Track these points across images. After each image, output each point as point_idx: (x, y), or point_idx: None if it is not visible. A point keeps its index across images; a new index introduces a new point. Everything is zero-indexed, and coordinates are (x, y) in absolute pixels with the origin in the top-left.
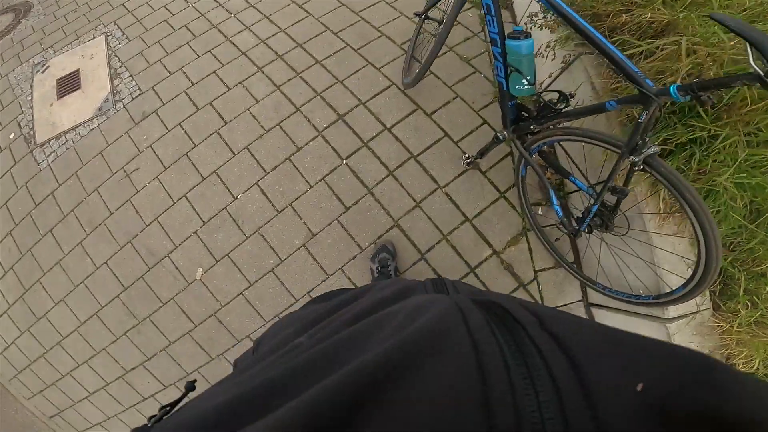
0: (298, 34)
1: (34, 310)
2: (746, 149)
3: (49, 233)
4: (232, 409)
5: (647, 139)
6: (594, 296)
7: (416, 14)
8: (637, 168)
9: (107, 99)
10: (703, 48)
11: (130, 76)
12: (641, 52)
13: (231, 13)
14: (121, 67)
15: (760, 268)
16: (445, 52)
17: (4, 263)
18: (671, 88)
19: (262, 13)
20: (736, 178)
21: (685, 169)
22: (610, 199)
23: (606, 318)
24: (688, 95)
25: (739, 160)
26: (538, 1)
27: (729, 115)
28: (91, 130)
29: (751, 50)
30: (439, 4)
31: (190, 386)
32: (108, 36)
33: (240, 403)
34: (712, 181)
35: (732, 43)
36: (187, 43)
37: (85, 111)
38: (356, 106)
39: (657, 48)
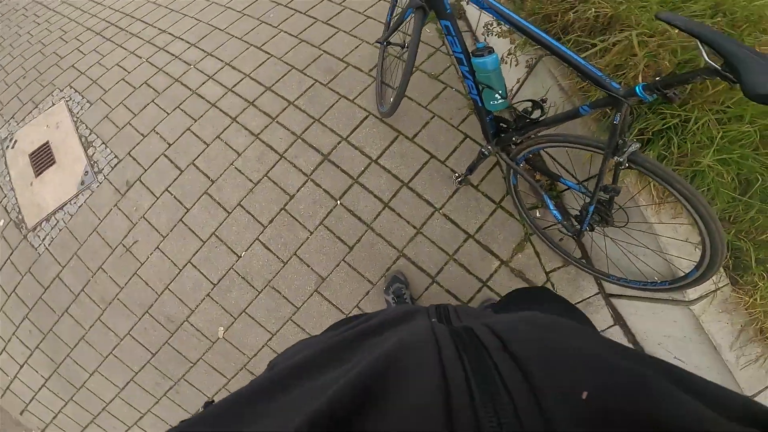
0: (265, 77)
1: (73, 382)
2: (719, 128)
3: (66, 313)
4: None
5: (626, 138)
6: (611, 287)
7: (378, 42)
8: (623, 166)
9: (86, 171)
10: (653, 39)
11: (103, 143)
12: (596, 49)
13: (190, 65)
14: (91, 134)
15: (765, 235)
16: (413, 72)
17: (29, 344)
18: (637, 88)
19: (222, 61)
20: (718, 156)
21: (667, 154)
22: (603, 195)
23: (628, 306)
24: (655, 94)
25: (716, 139)
26: (489, 13)
27: (694, 99)
28: (79, 207)
29: (703, 46)
30: (398, 28)
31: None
32: (67, 101)
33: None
34: (697, 163)
35: (677, 32)
36: (153, 101)
37: (67, 187)
38: (339, 143)
39: (612, 44)
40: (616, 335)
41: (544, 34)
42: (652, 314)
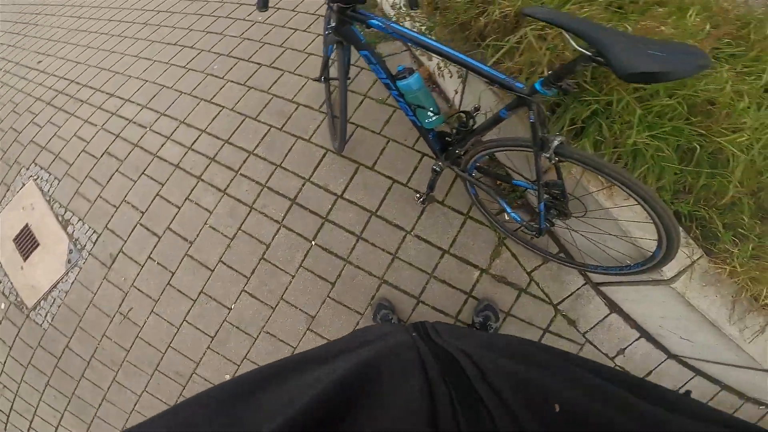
0: (221, 131)
1: None
2: (638, 106)
3: (83, 378)
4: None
5: (548, 132)
6: (597, 276)
7: (316, 80)
8: (553, 161)
9: (70, 250)
10: (550, 31)
11: (80, 220)
12: (510, 49)
13: (145, 128)
14: (66, 212)
15: (725, 200)
16: (361, 101)
17: (58, 408)
18: (536, 85)
19: (176, 119)
20: (649, 133)
21: (602, 139)
22: (553, 191)
23: (617, 293)
24: (552, 87)
25: (643, 117)
26: (391, 35)
27: (608, 82)
28: (72, 284)
29: (569, 36)
30: (333, 63)
31: None
32: (36, 179)
33: None
34: (629, 143)
35: None
36: (117, 170)
37: (56, 267)
38: (303, 185)
39: (518, 43)
40: (616, 323)
41: (441, 46)
42: (642, 297)
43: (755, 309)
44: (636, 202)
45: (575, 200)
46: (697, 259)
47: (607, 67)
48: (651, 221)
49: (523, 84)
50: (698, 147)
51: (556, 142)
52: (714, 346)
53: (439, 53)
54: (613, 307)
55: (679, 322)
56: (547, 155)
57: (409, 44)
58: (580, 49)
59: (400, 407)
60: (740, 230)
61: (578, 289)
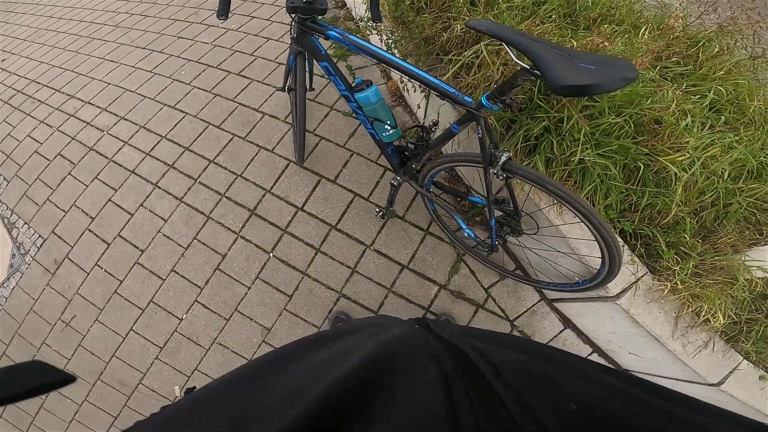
0: (182, 137)
1: None
2: (586, 124)
3: None
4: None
5: (496, 148)
6: (551, 293)
7: (281, 90)
8: (500, 177)
9: (13, 254)
10: (504, 48)
11: (26, 224)
12: (468, 64)
13: (103, 131)
14: (12, 215)
15: (668, 218)
16: (327, 113)
17: None
18: (482, 99)
19: (136, 124)
20: (596, 151)
21: (553, 156)
22: (505, 208)
23: (570, 309)
24: (498, 102)
25: (584, 134)
26: (345, 46)
27: (559, 99)
28: (12, 290)
29: (510, 49)
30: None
31: (189, 392)
32: None
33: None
34: (581, 160)
35: None
36: (69, 173)
37: None
38: (264, 196)
39: (475, 57)
40: (569, 338)
41: (394, 58)
42: (592, 313)
43: (697, 325)
44: (580, 221)
45: (528, 217)
46: (642, 276)
47: (542, 80)
48: (595, 239)
49: (471, 99)
50: (642, 166)
51: (503, 158)
52: (661, 361)
53: (394, 65)
54: (567, 322)
55: (627, 337)
56: (495, 171)
57: (364, 55)
58: (519, 62)
59: (417, 401)
60: (682, 249)
61: (534, 305)
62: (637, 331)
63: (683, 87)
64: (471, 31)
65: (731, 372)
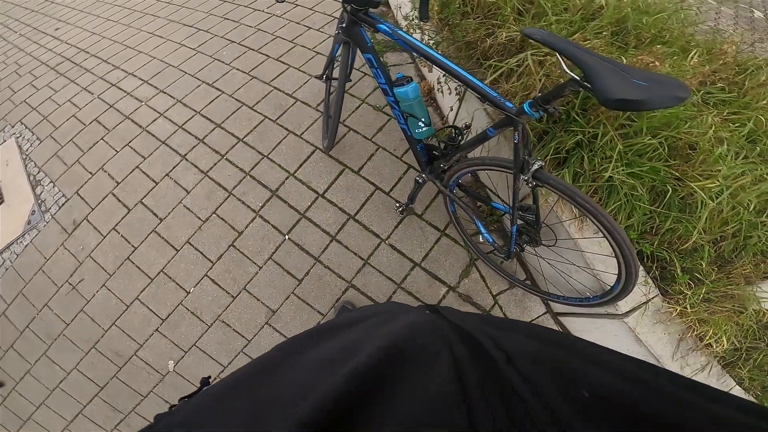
0: (215, 114)
1: (19, 414)
2: (620, 142)
3: (11, 348)
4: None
5: (530, 156)
6: (558, 306)
7: (318, 77)
8: (530, 185)
9: (33, 211)
10: (550, 57)
11: (51, 182)
12: (509, 71)
13: (141, 102)
14: (39, 172)
15: (687, 245)
16: (358, 105)
17: None
18: (524, 106)
19: (174, 98)
20: (626, 170)
21: (581, 171)
22: (526, 216)
23: (574, 323)
24: (540, 110)
25: (618, 153)
26: (397, 42)
27: (597, 115)
28: (25, 247)
29: (562, 59)
30: (332, 63)
31: (205, 382)
32: (18, 138)
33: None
34: (605, 178)
35: None
36: (102, 138)
37: (14, 227)
38: (287, 179)
39: (518, 65)
40: None
41: (442, 58)
42: (596, 329)
43: (699, 348)
44: (603, 236)
45: (547, 228)
46: (652, 297)
47: (592, 93)
48: (614, 256)
49: (513, 105)
50: (671, 190)
51: (535, 166)
52: None
53: (439, 65)
54: None
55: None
56: (526, 178)
57: (413, 53)
58: (569, 73)
59: (428, 392)
60: (696, 275)
61: (539, 316)
62: (639, 349)
63: (723, 113)
64: (514, 40)
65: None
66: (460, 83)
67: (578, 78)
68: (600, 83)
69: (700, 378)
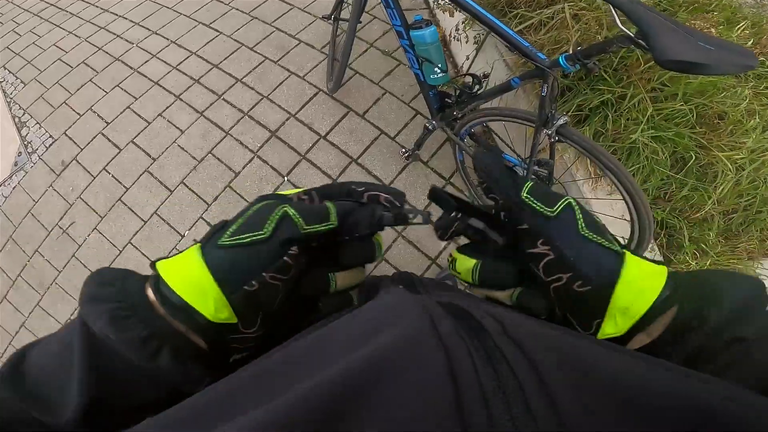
0: (212, 55)
1: None
2: (651, 105)
3: (5, 300)
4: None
5: (555, 110)
6: None
7: (325, 17)
8: (552, 139)
9: (20, 152)
10: (586, 12)
11: (38, 123)
12: (538, 23)
13: (132, 43)
14: (24, 114)
15: (698, 214)
16: (366, 49)
17: None
18: (560, 58)
19: (167, 39)
20: (652, 134)
21: (603, 131)
22: (540, 170)
23: None
24: (577, 64)
25: (647, 116)
26: None
27: (629, 75)
28: (13, 188)
29: (616, 12)
30: (343, 3)
31: None
32: (1, 82)
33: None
34: (630, 140)
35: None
36: (90, 80)
37: (1, 169)
38: (287, 120)
39: (550, 18)
40: None
41: (479, 7)
42: None
43: None
44: (621, 197)
45: (559, 185)
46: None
47: (646, 51)
48: (627, 219)
49: (545, 56)
50: (693, 156)
51: (561, 121)
52: None
53: (469, 10)
54: None
55: None
56: (549, 132)
57: None
58: (623, 28)
59: (411, 384)
60: (703, 245)
61: None
62: None
63: (760, 87)
64: None
65: None
66: (489, 30)
67: (631, 34)
68: (659, 41)
69: None
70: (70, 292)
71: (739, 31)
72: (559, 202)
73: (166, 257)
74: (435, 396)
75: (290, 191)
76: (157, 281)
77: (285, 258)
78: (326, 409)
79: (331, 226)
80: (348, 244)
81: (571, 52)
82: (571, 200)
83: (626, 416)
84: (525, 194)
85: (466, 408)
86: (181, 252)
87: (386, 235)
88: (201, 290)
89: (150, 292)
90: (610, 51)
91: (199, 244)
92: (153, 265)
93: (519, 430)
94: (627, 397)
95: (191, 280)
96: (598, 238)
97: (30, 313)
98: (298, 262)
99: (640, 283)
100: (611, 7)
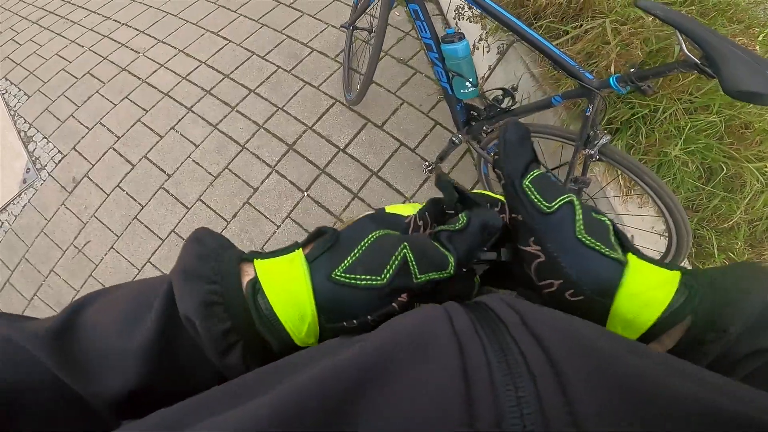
0: (223, 65)
1: None
2: (686, 117)
3: None
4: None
5: (597, 130)
6: None
7: (343, 26)
8: (593, 159)
9: (28, 169)
10: (625, 27)
11: (45, 138)
12: (568, 36)
13: (138, 53)
14: (30, 129)
15: (726, 224)
16: (381, 57)
17: None
18: (611, 80)
19: (175, 48)
20: (684, 147)
21: (635, 144)
22: (573, 186)
23: None
24: (629, 86)
25: (686, 130)
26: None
27: (663, 88)
28: (23, 207)
29: (683, 38)
30: (366, 12)
31: None
32: (3, 94)
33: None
34: (664, 153)
35: (651, 19)
36: (97, 91)
37: (9, 186)
38: (304, 132)
39: (584, 31)
40: None
41: (516, 20)
42: None
43: None
44: (654, 213)
45: (588, 200)
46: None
47: (712, 78)
48: (656, 232)
49: (592, 75)
50: (723, 168)
51: (603, 140)
52: None
53: (511, 26)
54: None
55: None
56: (592, 152)
57: (476, 8)
58: (690, 55)
59: (423, 384)
60: (731, 254)
61: None
62: None
63: None
64: (574, 2)
65: None
66: (532, 48)
67: (697, 60)
68: (727, 70)
69: None
70: None
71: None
72: (559, 198)
73: (264, 255)
74: (444, 396)
75: (403, 209)
76: (254, 285)
77: (393, 305)
78: (332, 400)
79: (446, 276)
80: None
81: (612, 69)
82: (573, 198)
83: (645, 420)
84: (527, 182)
85: (476, 407)
86: (279, 252)
87: (393, 200)
88: (300, 315)
89: (245, 289)
90: (669, 74)
91: (304, 259)
92: (250, 259)
93: (528, 430)
94: (647, 399)
95: (293, 302)
96: (598, 244)
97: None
98: (403, 308)
99: (645, 295)
100: (676, 32)
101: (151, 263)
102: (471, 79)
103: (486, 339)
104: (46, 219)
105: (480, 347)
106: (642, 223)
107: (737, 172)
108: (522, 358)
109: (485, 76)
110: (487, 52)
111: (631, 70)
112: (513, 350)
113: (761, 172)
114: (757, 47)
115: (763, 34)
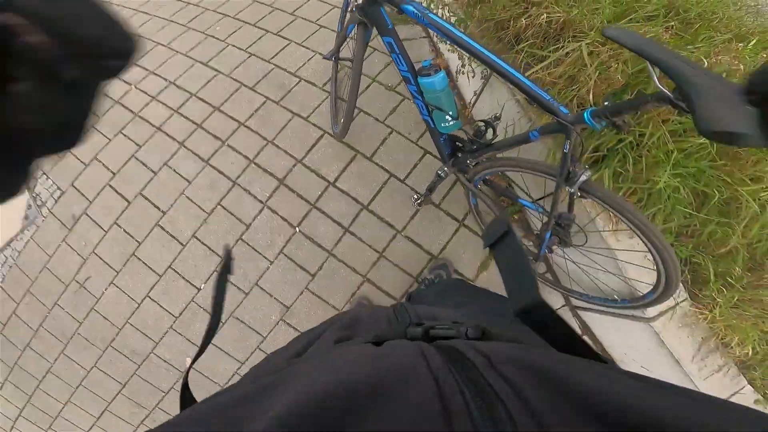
0: (212, 96)
1: (48, 412)
2: (673, 141)
3: (28, 348)
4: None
5: (577, 166)
6: (577, 301)
7: (326, 57)
8: (576, 196)
9: (29, 205)
10: (604, 48)
11: (44, 174)
12: (548, 61)
13: (130, 85)
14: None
15: (723, 249)
16: (368, 84)
17: None
18: (585, 114)
19: (166, 80)
20: (674, 171)
21: (623, 171)
22: (561, 222)
23: (594, 320)
24: (603, 121)
25: (673, 155)
26: (428, 28)
27: (649, 112)
28: (26, 243)
29: (654, 69)
30: (347, 42)
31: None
32: None
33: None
34: (653, 181)
35: None
36: (93, 126)
37: (11, 223)
38: (294, 166)
39: (566, 54)
40: None
41: (487, 52)
42: (616, 328)
43: (719, 351)
44: (647, 250)
45: (579, 231)
46: (681, 301)
47: (687, 113)
48: (653, 270)
49: (567, 110)
50: (716, 193)
51: (583, 177)
52: (669, 378)
53: (482, 59)
54: (586, 330)
55: (646, 354)
56: (572, 190)
57: (443, 38)
58: (663, 89)
59: (405, 414)
60: (728, 279)
61: (558, 309)
62: (660, 350)
63: None
64: (555, 24)
65: (732, 395)
66: (505, 81)
67: (670, 95)
68: (702, 106)
69: (717, 378)
70: (93, 342)
71: (749, 48)
72: None
73: None
74: (425, 411)
75: None
76: None
77: None
78: (326, 413)
79: None
80: None
81: (591, 96)
82: None
83: (598, 420)
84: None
85: (454, 423)
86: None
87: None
88: None
89: None
90: (642, 109)
91: None
92: None
93: (499, 429)
94: (602, 412)
95: None
96: None
97: (55, 360)
98: None
99: None
100: (648, 64)
101: (150, 297)
102: (451, 112)
103: (459, 378)
104: (48, 255)
105: (454, 383)
106: (632, 257)
107: (733, 195)
108: (500, 401)
109: (471, 101)
110: (472, 77)
111: (605, 103)
112: (487, 390)
113: (758, 195)
114: (742, 67)
115: (752, 44)
